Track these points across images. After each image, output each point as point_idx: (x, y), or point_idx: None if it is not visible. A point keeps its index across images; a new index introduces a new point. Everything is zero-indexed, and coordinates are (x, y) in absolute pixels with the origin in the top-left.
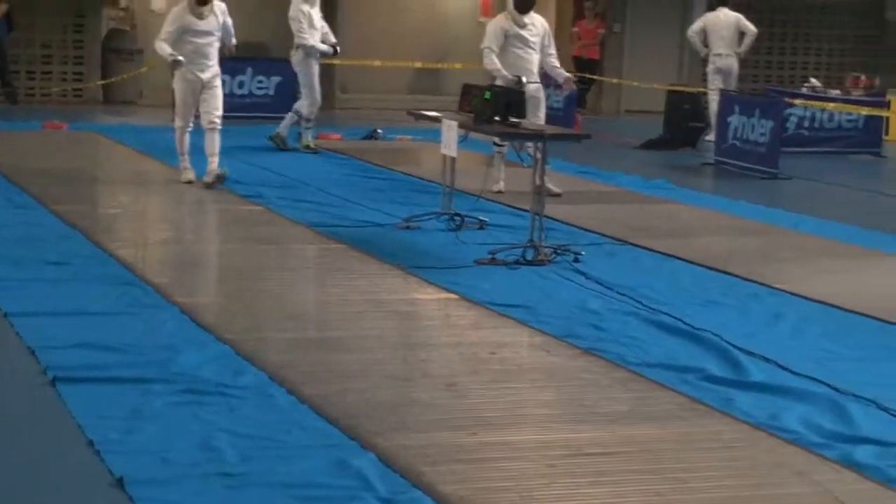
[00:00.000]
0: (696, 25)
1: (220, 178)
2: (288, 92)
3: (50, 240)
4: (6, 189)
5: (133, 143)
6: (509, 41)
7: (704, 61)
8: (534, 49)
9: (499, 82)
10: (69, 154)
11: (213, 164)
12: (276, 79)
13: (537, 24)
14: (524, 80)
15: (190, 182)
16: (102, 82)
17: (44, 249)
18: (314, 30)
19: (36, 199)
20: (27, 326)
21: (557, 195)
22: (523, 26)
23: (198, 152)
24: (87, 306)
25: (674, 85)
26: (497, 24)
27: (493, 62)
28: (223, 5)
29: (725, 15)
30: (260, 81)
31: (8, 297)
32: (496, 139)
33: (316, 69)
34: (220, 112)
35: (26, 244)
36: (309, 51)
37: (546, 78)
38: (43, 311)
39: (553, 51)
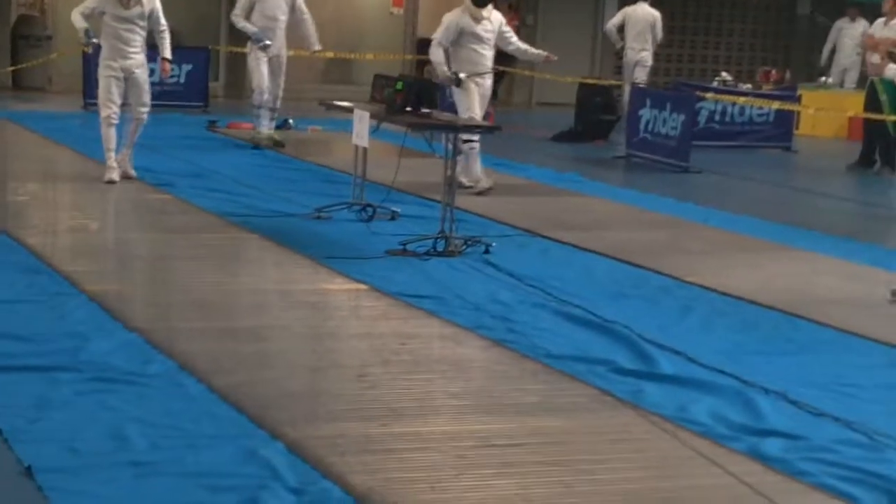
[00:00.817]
0: (616, 19)
1: (128, 177)
2: (199, 80)
3: None
4: None
5: (42, 129)
6: (465, 38)
7: (618, 54)
8: (489, 45)
9: (435, 76)
10: None
11: (125, 156)
12: (186, 66)
13: (493, 20)
14: (463, 76)
15: (112, 182)
16: (12, 68)
17: None
18: (263, 16)
19: None
20: None
21: (488, 189)
22: (479, 21)
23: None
24: None
25: (586, 78)
26: (454, 19)
27: (437, 55)
28: None
29: (643, 10)
30: (171, 70)
31: None
32: (464, 136)
33: (257, 55)
34: (147, 107)
35: None
36: (251, 36)
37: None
38: None
39: (515, 37)
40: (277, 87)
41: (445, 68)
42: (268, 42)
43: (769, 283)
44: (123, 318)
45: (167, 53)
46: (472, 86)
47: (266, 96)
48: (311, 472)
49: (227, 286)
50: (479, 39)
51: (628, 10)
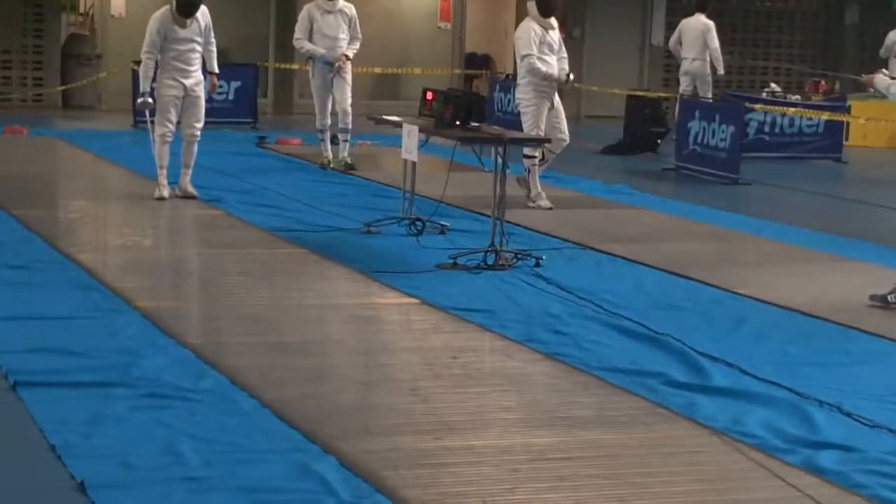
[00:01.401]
0: (675, 34)
1: (189, 197)
2: (248, 96)
3: (10, 244)
4: None
5: (92, 147)
6: (541, 48)
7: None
8: (555, 55)
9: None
10: (29, 159)
11: (186, 176)
12: (235, 83)
13: (556, 29)
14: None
15: (162, 199)
16: (62, 88)
17: (3, 254)
18: (324, 37)
19: None
20: None
21: (547, 208)
22: (548, 30)
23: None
24: (47, 311)
25: (634, 90)
26: (529, 29)
27: (546, 65)
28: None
29: (696, 20)
30: (220, 87)
31: None
32: (525, 150)
33: (319, 80)
34: (201, 123)
35: None
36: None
37: None
38: (3, 315)
39: (565, 53)
40: (346, 103)
41: (553, 72)
42: (334, 62)
43: (823, 294)
44: (175, 333)
45: (215, 68)
46: (545, 100)
47: (327, 121)
48: (365, 486)
49: (278, 301)
50: (550, 48)
51: (682, 22)
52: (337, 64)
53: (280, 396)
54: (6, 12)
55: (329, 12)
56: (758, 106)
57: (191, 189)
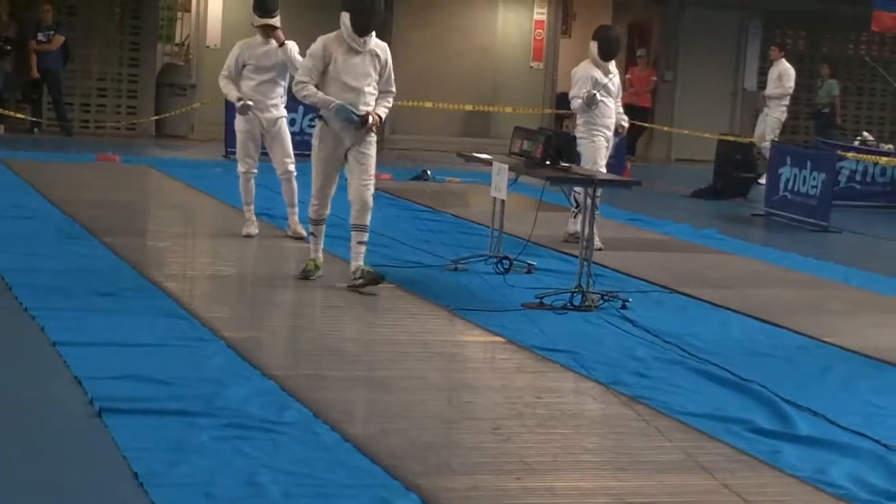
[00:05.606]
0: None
1: (299, 238)
2: None
3: (99, 271)
4: (59, 220)
5: (183, 177)
6: (598, 90)
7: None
8: (614, 98)
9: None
10: (121, 187)
11: (294, 216)
12: None
13: (616, 73)
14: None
15: (250, 236)
16: (156, 117)
17: (93, 280)
18: (344, 86)
19: (87, 231)
20: (75, 356)
21: (598, 249)
22: (608, 74)
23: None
24: (134, 338)
25: (724, 134)
26: (587, 71)
27: (585, 108)
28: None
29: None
30: (311, 119)
31: (57, 326)
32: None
33: (330, 147)
34: (291, 159)
35: (76, 275)
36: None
37: None
38: (91, 341)
39: (620, 97)
40: (367, 193)
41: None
42: (356, 117)
43: None
44: (260, 364)
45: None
46: (601, 139)
47: (328, 210)
48: None
49: (364, 335)
50: (608, 92)
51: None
52: (366, 126)
53: (363, 431)
54: (104, 41)
55: (356, 52)
56: (850, 154)
57: (300, 229)
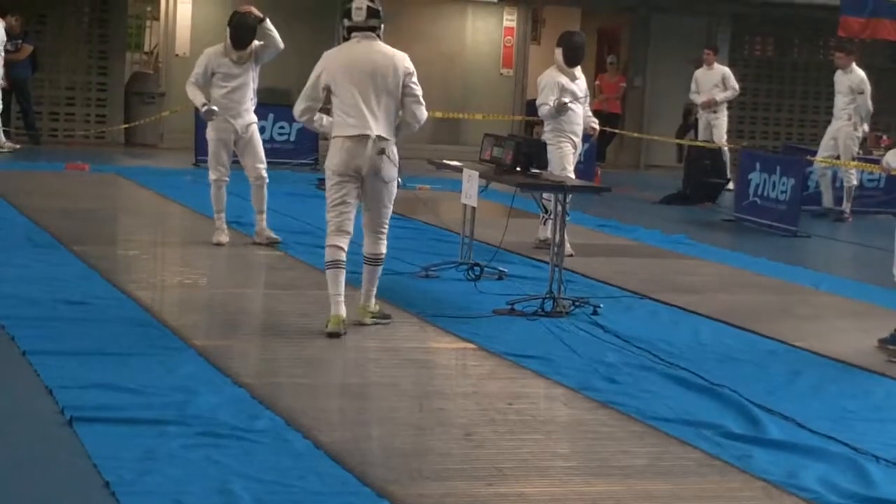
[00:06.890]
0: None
1: (273, 243)
2: (310, 138)
3: (69, 280)
4: (28, 229)
5: (153, 185)
6: (564, 95)
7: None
8: (581, 104)
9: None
10: (91, 195)
11: (262, 222)
12: (297, 125)
13: (582, 78)
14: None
15: (220, 244)
16: (125, 125)
17: (63, 289)
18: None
19: (57, 240)
20: (45, 366)
21: (569, 255)
22: (574, 80)
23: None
24: (104, 347)
25: (694, 141)
26: (553, 78)
27: (553, 115)
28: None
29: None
30: (281, 128)
31: (27, 335)
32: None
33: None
34: (264, 164)
35: (46, 284)
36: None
37: None
38: (61, 350)
39: (588, 102)
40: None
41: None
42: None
43: (880, 348)
44: (231, 372)
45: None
46: (568, 145)
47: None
48: None
49: (335, 343)
50: (575, 97)
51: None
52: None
53: (334, 438)
54: (72, 50)
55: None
56: (818, 159)
57: (269, 233)
